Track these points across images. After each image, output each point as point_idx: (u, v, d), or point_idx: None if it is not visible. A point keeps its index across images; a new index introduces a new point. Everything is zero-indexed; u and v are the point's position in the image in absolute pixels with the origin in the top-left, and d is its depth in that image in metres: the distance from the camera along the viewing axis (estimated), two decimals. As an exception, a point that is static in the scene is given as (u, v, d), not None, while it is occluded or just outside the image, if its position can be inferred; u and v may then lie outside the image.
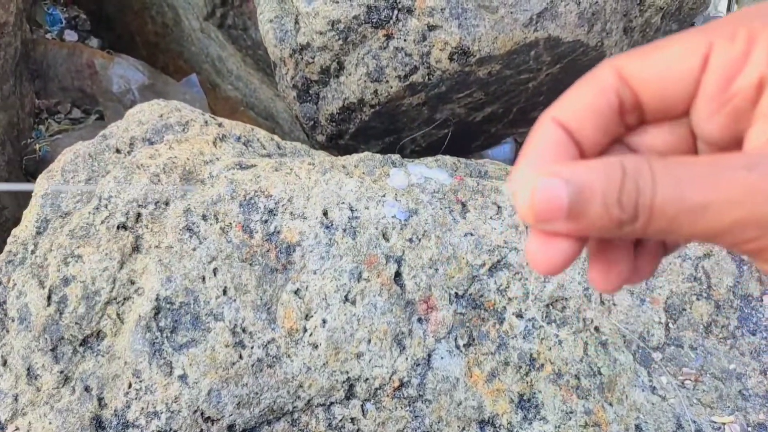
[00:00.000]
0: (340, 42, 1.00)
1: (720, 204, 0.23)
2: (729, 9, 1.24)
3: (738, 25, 0.25)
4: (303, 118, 1.14)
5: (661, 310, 0.83)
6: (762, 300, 0.83)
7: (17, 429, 0.75)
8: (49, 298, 0.78)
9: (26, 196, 0.91)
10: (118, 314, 0.78)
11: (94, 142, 0.89)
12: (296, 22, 1.01)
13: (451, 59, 1.02)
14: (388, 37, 1.00)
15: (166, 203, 0.82)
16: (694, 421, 0.77)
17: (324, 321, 0.78)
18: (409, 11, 0.98)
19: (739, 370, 0.81)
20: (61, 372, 0.76)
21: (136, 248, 0.80)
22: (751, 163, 0.23)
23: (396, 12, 0.99)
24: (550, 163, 0.27)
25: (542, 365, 0.80)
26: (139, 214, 0.81)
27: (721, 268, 0.85)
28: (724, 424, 0.77)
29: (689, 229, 0.24)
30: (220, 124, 0.94)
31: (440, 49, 1.01)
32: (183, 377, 0.76)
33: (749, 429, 0.77)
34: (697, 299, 0.83)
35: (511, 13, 1.02)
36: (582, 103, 0.27)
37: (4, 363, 0.78)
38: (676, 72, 0.26)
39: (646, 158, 0.25)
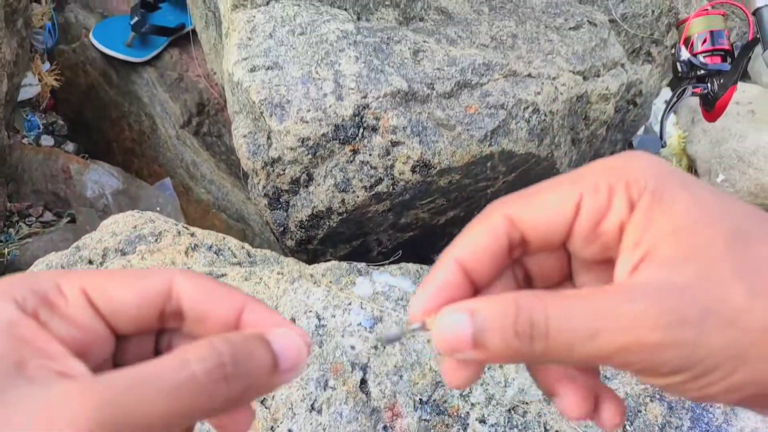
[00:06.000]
0: (310, 156, 1.07)
1: (609, 331, 0.28)
2: (663, 119, 1.36)
3: (600, 179, 0.31)
4: (273, 224, 1.18)
5: (618, 412, 0.86)
6: (712, 400, 0.87)
7: None
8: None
9: None
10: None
11: (67, 253, 0.91)
12: (269, 138, 1.08)
13: (413, 171, 1.09)
14: (355, 152, 1.08)
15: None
16: None
17: (290, 431, 0.78)
18: (374, 129, 1.07)
19: (697, 471, 0.83)
20: None
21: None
22: (632, 298, 0.28)
23: (362, 130, 1.07)
24: (445, 294, 0.32)
25: (507, 472, 0.81)
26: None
27: (672, 369, 0.89)
28: None
29: (582, 353, 0.28)
30: (192, 234, 0.98)
31: (403, 162, 1.08)
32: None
33: None
34: (651, 401, 0.86)
35: (468, 130, 1.11)
36: (477, 246, 0.33)
37: None
38: (555, 218, 0.32)
39: (539, 294, 0.29)
